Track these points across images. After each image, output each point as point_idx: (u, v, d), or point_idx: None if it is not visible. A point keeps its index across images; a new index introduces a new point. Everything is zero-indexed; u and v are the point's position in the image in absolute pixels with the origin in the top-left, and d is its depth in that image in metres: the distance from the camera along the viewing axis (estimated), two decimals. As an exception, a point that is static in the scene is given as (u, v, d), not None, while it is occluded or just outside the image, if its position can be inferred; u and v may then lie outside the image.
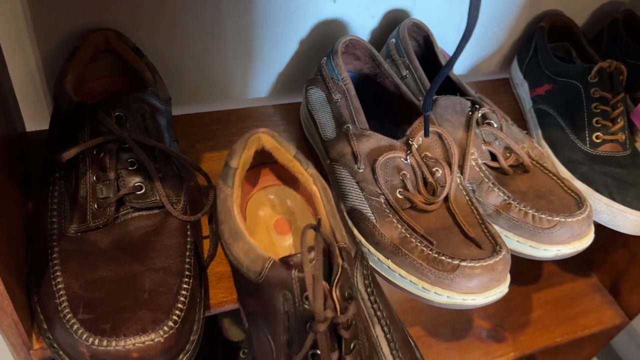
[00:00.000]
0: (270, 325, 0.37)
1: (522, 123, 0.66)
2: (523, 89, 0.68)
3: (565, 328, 0.85)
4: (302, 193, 0.49)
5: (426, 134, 0.44)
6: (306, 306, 0.35)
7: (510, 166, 0.52)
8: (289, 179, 0.49)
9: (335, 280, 0.36)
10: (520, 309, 0.86)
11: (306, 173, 0.46)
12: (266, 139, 0.46)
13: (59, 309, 0.35)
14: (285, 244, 0.47)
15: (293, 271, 0.35)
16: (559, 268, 0.92)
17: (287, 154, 0.46)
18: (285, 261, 0.36)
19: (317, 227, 0.37)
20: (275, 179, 0.50)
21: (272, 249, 0.47)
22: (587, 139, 0.58)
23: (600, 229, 0.54)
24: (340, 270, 0.36)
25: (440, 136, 0.50)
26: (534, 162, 0.53)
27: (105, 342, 0.33)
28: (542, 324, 0.86)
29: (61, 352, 0.35)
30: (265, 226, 0.48)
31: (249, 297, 0.39)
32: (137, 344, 0.33)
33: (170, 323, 0.35)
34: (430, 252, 0.43)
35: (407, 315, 0.82)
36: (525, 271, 0.90)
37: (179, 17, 0.52)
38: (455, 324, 0.84)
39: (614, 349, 1.16)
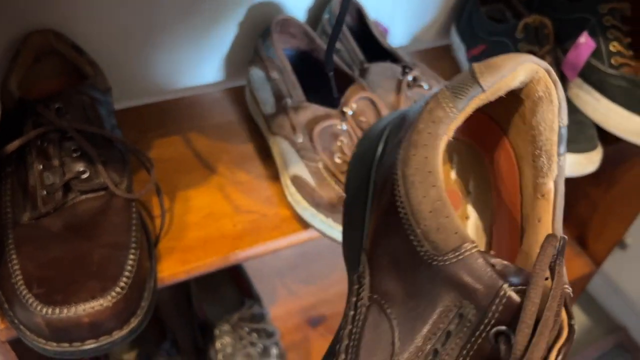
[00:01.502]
0: (409, 325, 0.26)
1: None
2: (461, 53, 0.71)
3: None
4: (499, 171, 0.34)
5: (333, 94, 0.47)
6: (501, 346, 0.23)
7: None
8: (492, 144, 0.33)
9: (561, 343, 0.23)
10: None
11: (555, 163, 0.29)
12: (545, 78, 0.29)
13: (16, 287, 0.38)
14: None
15: (502, 283, 0.23)
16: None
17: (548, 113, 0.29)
18: (496, 263, 0.24)
19: (562, 249, 0.24)
20: (473, 133, 0.34)
21: None
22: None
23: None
24: (568, 330, 0.23)
25: (372, 101, 0.53)
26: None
27: (57, 311, 0.36)
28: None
29: (22, 327, 0.38)
30: None
31: (398, 266, 0.28)
32: (87, 310, 0.36)
33: (118, 289, 0.38)
34: (365, 208, 0.47)
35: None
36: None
37: (117, 13, 0.54)
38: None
39: (591, 296, 1.20)
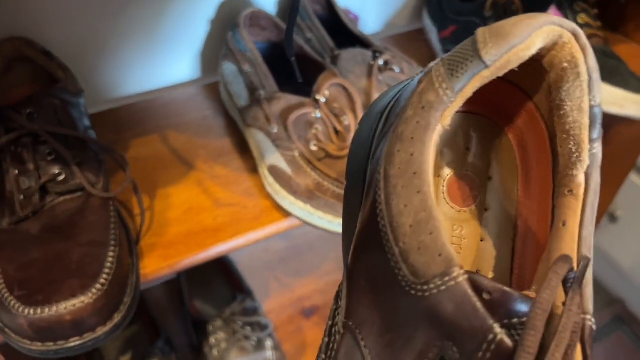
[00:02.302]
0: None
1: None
2: (434, 35, 0.72)
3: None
4: (527, 153, 0.27)
5: (298, 79, 0.47)
6: None
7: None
8: (519, 119, 0.27)
9: None
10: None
11: (586, 152, 0.24)
12: (570, 44, 0.23)
13: (-3, 291, 0.39)
14: (451, 222, 0.28)
15: (493, 323, 0.18)
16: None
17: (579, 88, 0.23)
18: (492, 290, 0.19)
19: (581, 274, 0.20)
20: (485, 106, 0.28)
21: None
22: (491, 69, 0.62)
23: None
24: None
25: (344, 88, 0.54)
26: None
27: (39, 311, 0.37)
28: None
29: (6, 330, 0.39)
30: (436, 180, 0.28)
31: (375, 290, 0.23)
32: (68, 308, 0.37)
33: (98, 286, 0.38)
34: (341, 191, 0.47)
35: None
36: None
37: (87, 18, 0.55)
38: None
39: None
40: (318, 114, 0.52)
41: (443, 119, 0.23)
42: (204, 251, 0.48)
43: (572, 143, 0.23)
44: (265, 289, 0.84)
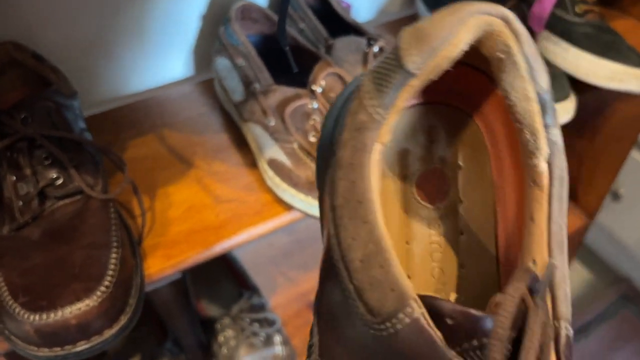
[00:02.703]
0: None
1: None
2: (428, 20, 0.71)
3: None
4: (495, 137, 0.25)
5: (293, 69, 0.47)
6: None
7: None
8: (483, 102, 0.25)
9: None
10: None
11: (543, 139, 0.22)
12: (502, 33, 0.21)
13: (2, 298, 0.38)
14: (427, 223, 0.26)
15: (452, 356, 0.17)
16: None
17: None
18: (454, 314, 0.18)
19: (542, 284, 0.19)
20: (445, 94, 0.26)
21: (405, 231, 0.26)
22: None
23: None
24: None
25: (340, 77, 0.53)
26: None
27: (44, 316, 0.36)
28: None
29: (12, 337, 0.38)
30: (402, 184, 0.27)
31: (339, 328, 0.21)
32: (73, 312, 0.36)
33: (103, 288, 0.38)
34: (343, 181, 0.47)
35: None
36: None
37: (77, 20, 0.54)
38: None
39: (591, 249, 1.21)
40: (315, 104, 0.52)
41: (380, 137, 0.21)
42: (207, 249, 0.48)
43: (527, 132, 0.22)
44: (271, 284, 0.84)
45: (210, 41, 0.63)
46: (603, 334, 1.13)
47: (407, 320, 0.18)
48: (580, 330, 1.12)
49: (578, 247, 1.07)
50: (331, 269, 0.21)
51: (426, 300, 0.18)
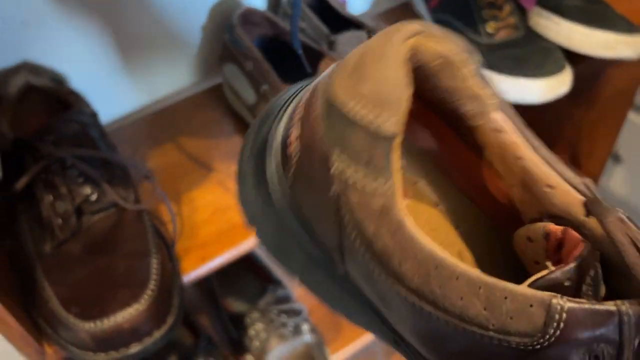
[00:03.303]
0: None
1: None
2: (422, 7, 0.73)
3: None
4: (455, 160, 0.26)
5: (307, 70, 0.49)
6: None
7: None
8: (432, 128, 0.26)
9: None
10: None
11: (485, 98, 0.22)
12: (427, 45, 0.21)
13: (55, 311, 0.41)
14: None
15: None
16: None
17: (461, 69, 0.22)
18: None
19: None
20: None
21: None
22: (482, 31, 0.63)
23: (543, 114, 0.58)
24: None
25: (345, 70, 0.55)
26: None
27: (98, 324, 0.39)
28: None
29: (69, 346, 0.41)
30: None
31: None
32: (125, 316, 0.39)
33: (149, 292, 0.40)
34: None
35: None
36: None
37: (85, 37, 0.56)
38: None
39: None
40: (324, 100, 0.54)
41: (400, 201, 0.20)
42: (237, 247, 0.50)
43: (469, 103, 0.22)
44: (292, 276, 0.86)
45: (215, 47, 0.65)
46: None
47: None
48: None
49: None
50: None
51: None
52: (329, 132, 0.21)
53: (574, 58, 0.65)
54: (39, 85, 0.53)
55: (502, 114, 0.22)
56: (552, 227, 0.22)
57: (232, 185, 0.56)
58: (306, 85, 0.25)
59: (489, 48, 0.63)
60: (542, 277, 0.20)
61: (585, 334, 0.19)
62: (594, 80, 0.84)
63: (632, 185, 1.13)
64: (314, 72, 0.54)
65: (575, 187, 0.22)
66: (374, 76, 0.20)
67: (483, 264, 0.26)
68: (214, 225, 0.52)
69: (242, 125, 0.61)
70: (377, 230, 0.20)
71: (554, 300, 0.19)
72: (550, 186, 0.22)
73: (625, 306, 0.18)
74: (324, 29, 0.61)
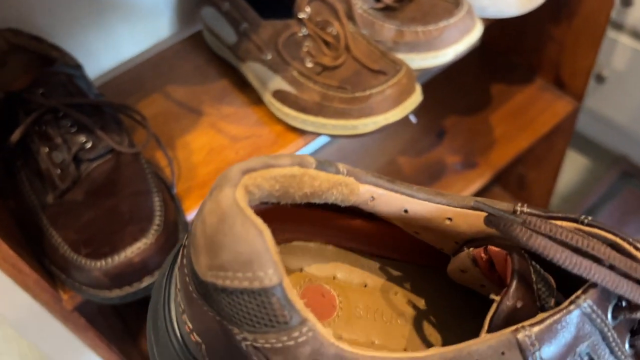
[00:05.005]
0: None
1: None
2: None
3: (528, 132, 0.92)
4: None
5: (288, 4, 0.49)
6: None
7: (396, 1, 0.58)
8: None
9: None
10: (482, 133, 0.94)
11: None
12: (257, 180, 0.22)
13: (66, 255, 0.42)
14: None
15: None
16: (506, 85, 0.99)
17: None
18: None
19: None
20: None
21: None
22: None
23: (525, 37, 0.58)
24: None
25: (323, 0, 0.55)
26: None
27: (110, 260, 0.40)
28: (506, 137, 0.93)
29: (84, 287, 0.42)
30: None
31: None
32: (134, 251, 0.40)
33: (155, 227, 0.42)
34: (347, 95, 0.50)
35: (388, 175, 0.90)
36: (479, 98, 0.97)
37: (60, -4, 0.56)
38: (431, 169, 0.91)
39: (585, 136, 1.25)
40: (305, 31, 0.54)
41: (324, 331, 0.20)
42: (235, 183, 0.51)
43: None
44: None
45: (190, -5, 0.65)
46: (611, 212, 1.17)
47: None
48: (587, 213, 1.16)
49: (571, 133, 1.11)
50: None
51: None
52: (219, 311, 0.20)
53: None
54: (22, 45, 0.53)
55: (367, 185, 0.23)
56: (474, 251, 0.23)
57: (224, 125, 0.56)
58: (174, 256, 0.24)
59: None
60: (495, 314, 0.20)
61: (563, 342, 0.19)
62: (571, -4, 0.85)
63: (617, 103, 1.14)
64: (291, 4, 0.54)
65: (468, 208, 0.22)
66: (226, 242, 0.19)
67: (444, 308, 0.26)
68: (211, 165, 0.53)
69: (226, 67, 0.61)
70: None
71: (520, 336, 0.19)
72: (449, 218, 0.23)
73: (581, 299, 0.19)
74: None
